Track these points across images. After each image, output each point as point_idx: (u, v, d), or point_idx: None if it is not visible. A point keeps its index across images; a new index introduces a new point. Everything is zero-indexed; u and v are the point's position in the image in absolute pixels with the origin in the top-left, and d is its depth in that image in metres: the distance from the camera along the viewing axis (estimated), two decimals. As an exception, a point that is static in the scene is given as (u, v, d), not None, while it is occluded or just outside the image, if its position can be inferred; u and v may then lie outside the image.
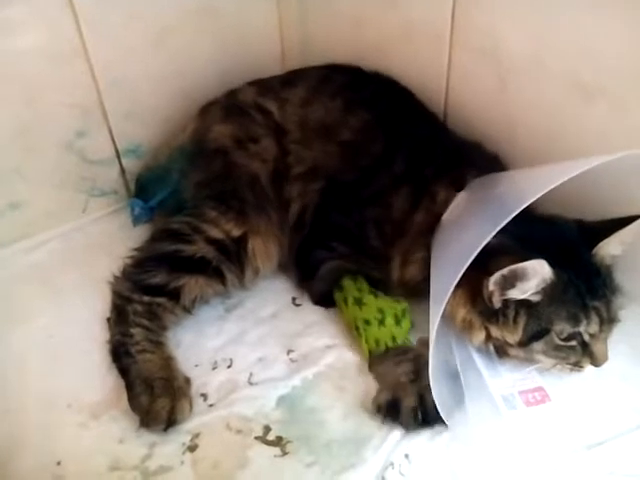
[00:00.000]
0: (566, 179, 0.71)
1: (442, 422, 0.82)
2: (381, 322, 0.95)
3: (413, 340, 0.96)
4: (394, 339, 0.94)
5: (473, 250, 0.72)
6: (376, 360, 0.93)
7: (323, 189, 1.07)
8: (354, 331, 0.97)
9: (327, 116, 1.11)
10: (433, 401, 0.79)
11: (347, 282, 1.02)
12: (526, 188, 0.80)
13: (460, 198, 0.94)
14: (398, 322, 0.96)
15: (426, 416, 0.84)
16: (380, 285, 1.02)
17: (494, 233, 0.72)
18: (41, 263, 1.17)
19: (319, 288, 1.05)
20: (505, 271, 0.80)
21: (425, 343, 0.88)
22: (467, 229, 0.85)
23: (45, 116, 1.14)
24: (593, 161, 0.72)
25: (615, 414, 0.86)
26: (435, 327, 0.73)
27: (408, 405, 0.85)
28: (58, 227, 1.24)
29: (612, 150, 0.73)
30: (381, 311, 0.96)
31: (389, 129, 1.08)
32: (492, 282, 0.82)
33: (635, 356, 0.94)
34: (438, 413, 0.80)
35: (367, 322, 0.95)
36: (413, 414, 0.84)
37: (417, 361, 0.89)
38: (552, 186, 0.72)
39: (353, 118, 1.09)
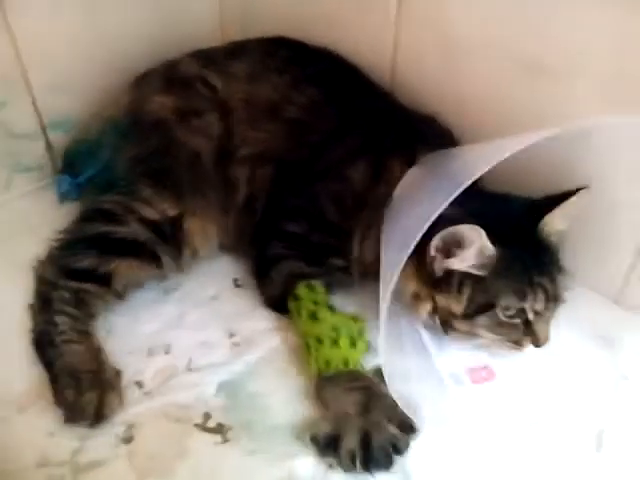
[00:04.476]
0: (513, 152, 0.70)
1: (387, 469, 0.75)
2: (335, 342, 0.86)
3: (367, 363, 0.88)
4: (346, 363, 0.85)
5: (423, 224, 0.70)
6: (324, 383, 0.84)
7: (273, 176, 1.02)
8: (304, 347, 0.90)
9: (274, 93, 1.05)
10: (381, 443, 0.75)
11: (303, 291, 0.93)
12: (475, 162, 0.79)
13: (410, 174, 0.92)
14: (353, 343, 0.87)
15: (367, 462, 0.75)
16: (344, 278, 0.99)
17: (444, 206, 0.70)
18: (-41, 243, 1.08)
19: (272, 292, 0.99)
20: (444, 233, 0.79)
21: (378, 373, 0.84)
22: (418, 204, 0.83)
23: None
24: (540, 135, 0.71)
25: (558, 393, 0.87)
26: (387, 301, 0.71)
27: (348, 446, 0.76)
28: (-21, 204, 1.16)
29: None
30: (336, 329, 0.87)
31: (340, 104, 1.04)
32: (432, 247, 0.82)
33: (580, 337, 0.95)
34: (384, 459, 0.75)
35: (319, 340, 0.87)
36: (351, 457, 0.75)
37: (367, 392, 0.81)
38: (499, 159, 0.70)
39: (301, 95, 1.05)
